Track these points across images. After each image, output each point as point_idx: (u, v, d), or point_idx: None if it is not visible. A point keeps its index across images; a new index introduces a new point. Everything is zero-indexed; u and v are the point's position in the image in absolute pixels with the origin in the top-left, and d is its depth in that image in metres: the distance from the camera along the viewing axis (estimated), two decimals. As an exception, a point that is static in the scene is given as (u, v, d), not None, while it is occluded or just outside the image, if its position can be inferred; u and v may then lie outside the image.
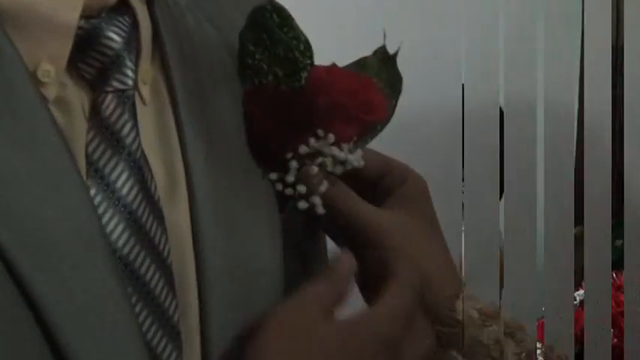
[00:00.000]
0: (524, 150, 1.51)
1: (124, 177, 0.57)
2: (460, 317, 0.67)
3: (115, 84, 0.59)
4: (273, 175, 0.67)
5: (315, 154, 0.67)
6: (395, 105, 0.73)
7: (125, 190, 0.57)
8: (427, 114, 1.47)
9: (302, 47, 0.68)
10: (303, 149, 0.67)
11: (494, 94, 1.49)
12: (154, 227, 0.58)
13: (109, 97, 0.58)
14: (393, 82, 0.73)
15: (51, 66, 0.56)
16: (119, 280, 0.56)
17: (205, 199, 0.61)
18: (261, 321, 0.58)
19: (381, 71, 0.73)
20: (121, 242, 0.57)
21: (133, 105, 0.60)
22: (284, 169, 0.67)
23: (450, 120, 1.48)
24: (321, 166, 0.67)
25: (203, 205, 0.61)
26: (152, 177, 0.59)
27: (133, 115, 0.59)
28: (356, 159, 0.68)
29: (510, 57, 1.49)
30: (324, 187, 0.66)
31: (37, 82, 0.56)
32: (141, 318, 0.57)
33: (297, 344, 0.57)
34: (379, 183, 0.72)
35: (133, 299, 0.57)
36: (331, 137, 0.67)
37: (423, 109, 1.45)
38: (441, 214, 0.72)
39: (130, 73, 0.59)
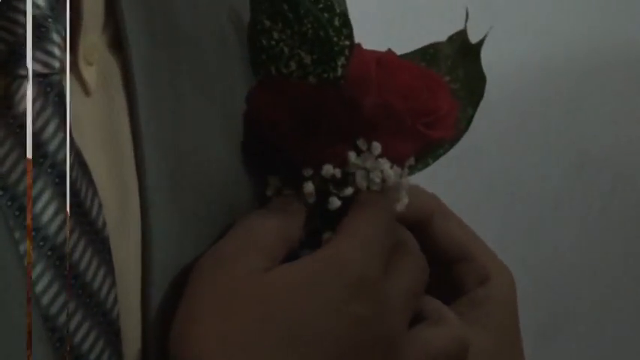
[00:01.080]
0: None
1: (45, 198, 0.44)
2: None
3: (34, 66, 0.45)
4: (274, 181, 0.51)
5: (343, 178, 0.50)
6: (472, 116, 0.55)
7: (47, 217, 0.44)
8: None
9: (337, 22, 0.49)
10: (327, 170, 0.49)
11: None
12: (91, 268, 0.45)
13: (26, 84, 0.45)
14: (474, 84, 0.56)
15: None
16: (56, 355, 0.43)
17: (163, 235, 0.49)
18: (188, 282, 0.47)
19: (458, 66, 0.56)
20: (37, 291, 0.43)
21: (60, 96, 0.46)
22: (292, 176, 0.51)
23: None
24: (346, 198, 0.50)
25: (159, 243, 0.48)
26: (94, 196, 0.46)
27: (59, 111, 0.45)
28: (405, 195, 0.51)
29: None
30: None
31: None
32: None
33: (235, 308, 0.46)
34: (449, 267, 0.55)
35: None
36: (377, 147, 0.50)
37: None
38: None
39: (55, 50, 0.45)
